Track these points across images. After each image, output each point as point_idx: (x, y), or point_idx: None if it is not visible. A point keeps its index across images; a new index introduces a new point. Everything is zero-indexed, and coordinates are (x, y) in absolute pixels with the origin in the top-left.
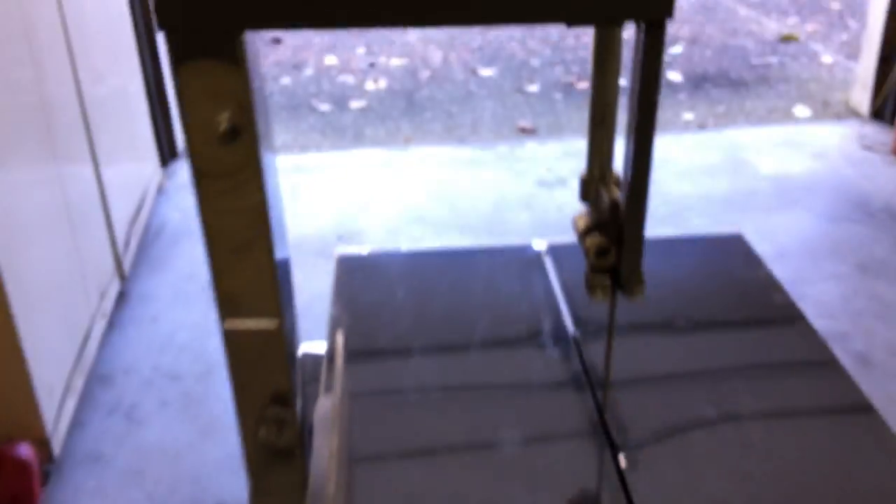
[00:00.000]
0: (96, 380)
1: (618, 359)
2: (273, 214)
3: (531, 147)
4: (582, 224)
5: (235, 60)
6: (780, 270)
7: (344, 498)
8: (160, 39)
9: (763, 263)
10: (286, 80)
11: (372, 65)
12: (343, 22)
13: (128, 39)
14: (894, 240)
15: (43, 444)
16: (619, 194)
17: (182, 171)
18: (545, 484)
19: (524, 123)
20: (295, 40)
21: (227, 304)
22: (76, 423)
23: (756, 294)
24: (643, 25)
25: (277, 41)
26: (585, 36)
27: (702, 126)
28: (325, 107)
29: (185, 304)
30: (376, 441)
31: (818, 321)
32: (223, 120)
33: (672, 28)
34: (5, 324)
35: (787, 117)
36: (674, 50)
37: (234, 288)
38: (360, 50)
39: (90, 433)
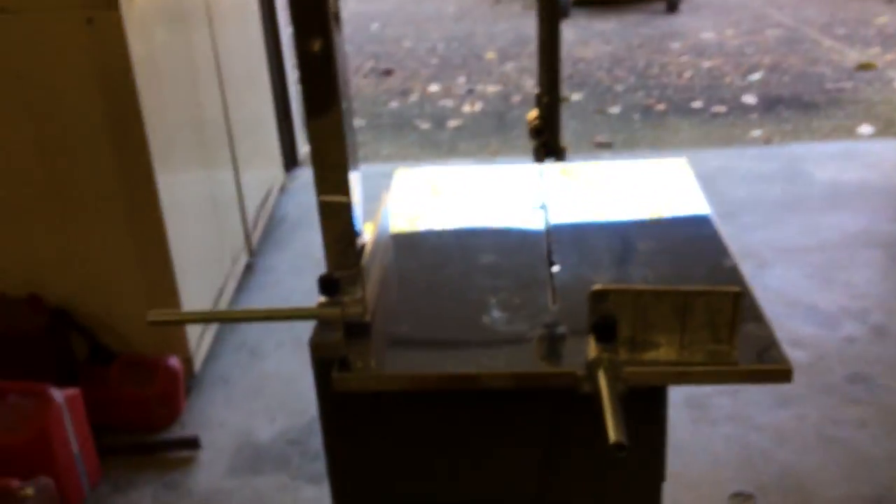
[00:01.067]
0: (226, 327)
1: (560, 234)
2: None
3: (604, 157)
4: (531, 117)
5: None
6: (818, 258)
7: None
8: (287, 67)
9: (694, 182)
10: (394, 104)
11: (470, 91)
12: None
13: (262, 69)
14: None
15: (187, 362)
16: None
17: (301, 175)
18: (508, 277)
19: (601, 138)
20: (404, 72)
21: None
22: (210, 356)
23: (679, 201)
24: None
25: (389, 72)
26: (671, 66)
27: (767, 142)
28: (425, 126)
29: (299, 276)
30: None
31: (846, 300)
32: None
33: (754, 57)
34: (168, 272)
35: (850, 134)
36: (753, 76)
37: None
38: (461, 79)
39: (221, 363)
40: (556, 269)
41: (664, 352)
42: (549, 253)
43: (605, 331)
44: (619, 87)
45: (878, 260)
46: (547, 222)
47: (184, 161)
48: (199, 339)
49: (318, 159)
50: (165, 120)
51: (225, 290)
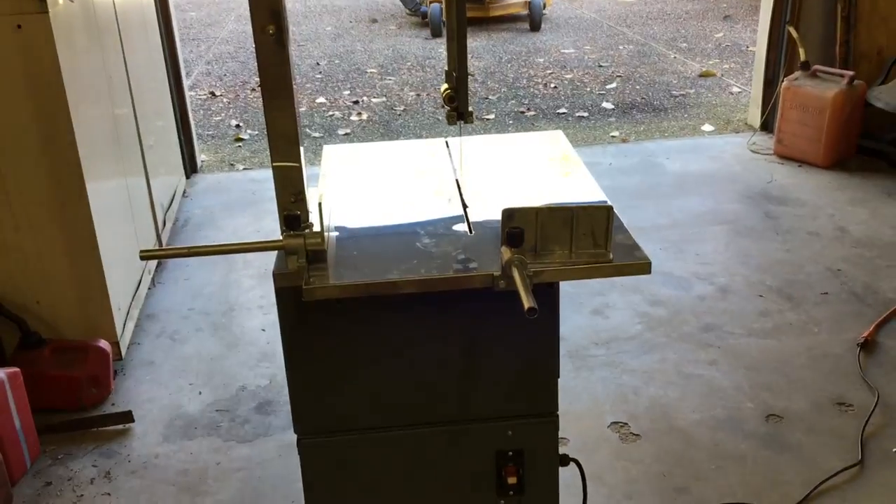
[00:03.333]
0: (145, 318)
1: (468, 185)
2: None
3: None
4: (443, 89)
5: None
6: (671, 234)
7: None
8: (185, 84)
9: (569, 146)
10: None
11: (356, 102)
12: None
13: (164, 84)
14: (763, 214)
15: (114, 346)
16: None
17: (200, 181)
18: (431, 218)
19: None
20: None
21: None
22: (133, 343)
23: (557, 158)
24: None
25: None
26: (538, 77)
27: (625, 140)
28: (316, 134)
29: (210, 270)
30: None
31: (696, 266)
32: None
33: (610, 69)
34: (97, 265)
35: (695, 132)
36: (609, 85)
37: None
38: (346, 92)
39: (144, 348)
40: (469, 209)
41: (558, 256)
42: (462, 199)
43: (514, 238)
44: (493, 97)
45: (721, 234)
46: (457, 177)
47: (106, 164)
48: (122, 326)
49: (272, 132)
50: (90, 123)
51: (142, 283)
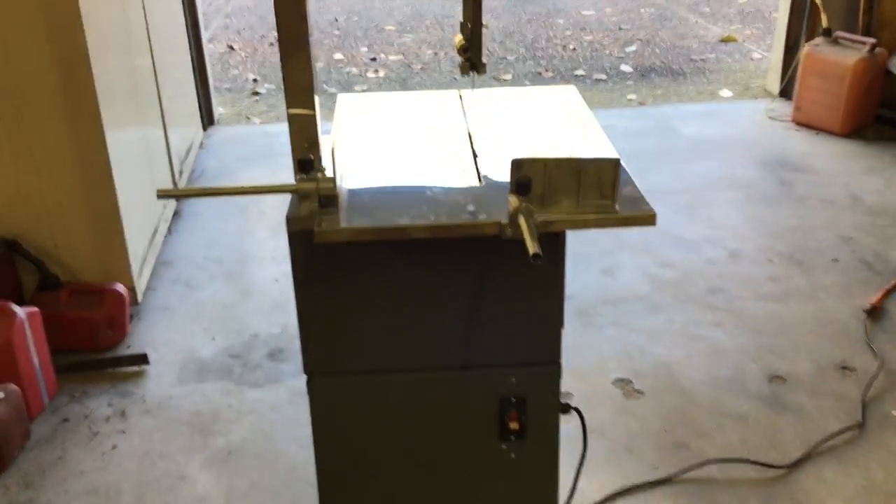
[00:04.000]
0: (161, 265)
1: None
2: None
3: None
4: (457, 40)
5: None
6: (684, 198)
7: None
8: (203, 39)
9: (581, 101)
10: None
11: (373, 59)
12: None
13: (182, 39)
14: (777, 180)
15: (131, 290)
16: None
17: (216, 133)
18: (442, 167)
19: None
20: None
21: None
22: (149, 288)
23: (569, 113)
24: None
25: None
26: (557, 39)
27: (642, 104)
28: (333, 90)
29: (225, 221)
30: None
31: (707, 230)
32: None
33: (630, 32)
34: (115, 211)
35: (713, 97)
36: (629, 48)
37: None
38: (364, 49)
39: (159, 294)
40: (479, 160)
41: (565, 206)
42: (473, 149)
43: (522, 187)
44: (511, 58)
45: (733, 199)
46: (468, 128)
47: (124, 113)
48: (139, 271)
49: (289, 82)
50: (109, 72)
51: (158, 231)
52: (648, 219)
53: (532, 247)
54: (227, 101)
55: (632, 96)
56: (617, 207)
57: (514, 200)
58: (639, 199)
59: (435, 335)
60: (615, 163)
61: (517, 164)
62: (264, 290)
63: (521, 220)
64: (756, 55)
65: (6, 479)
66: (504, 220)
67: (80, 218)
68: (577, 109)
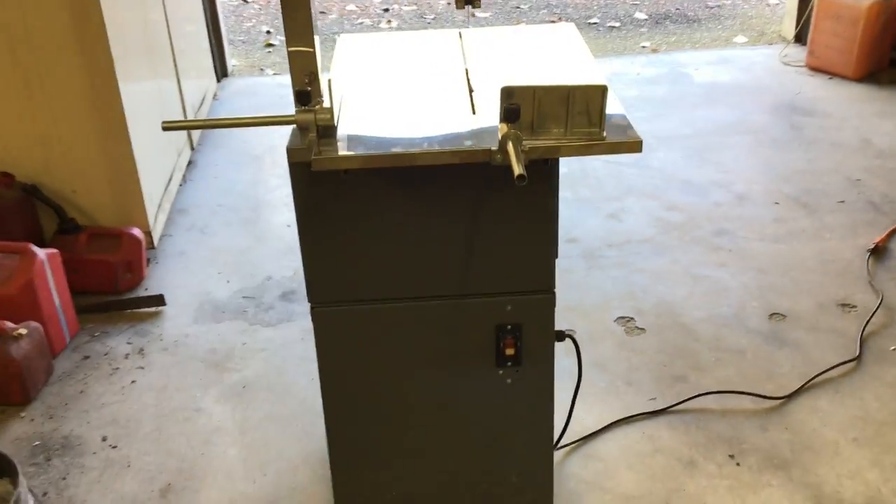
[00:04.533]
0: (176, 212)
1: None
2: None
3: None
4: None
5: None
6: (693, 143)
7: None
8: None
9: (579, 37)
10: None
11: (386, 10)
12: None
13: None
14: (789, 125)
15: (147, 235)
16: None
17: (230, 84)
18: (438, 98)
19: None
20: None
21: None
22: (165, 234)
23: (564, 47)
24: None
25: None
26: None
27: (655, 51)
28: None
29: (238, 169)
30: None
31: (715, 174)
32: None
33: None
34: (130, 157)
35: (728, 44)
36: None
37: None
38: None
39: (175, 240)
40: (475, 94)
41: (554, 134)
42: (469, 83)
43: (511, 113)
44: (525, 6)
45: (744, 143)
46: (466, 65)
47: (138, 65)
48: (155, 217)
49: (288, 21)
50: (123, 25)
51: (173, 180)
52: (635, 146)
53: (517, 168)
54: (240, 52)
55: (645, 43)
56: (605, 134)
57: (503, 127)
58: (626, 127)
59: (432, 264)
60: (603, 89)
61: (507, 92)
62: (278, 235)
63: (509, 145)
64: (772, 0)
65: (31, 411)
66: (494, 147)
67: (98, 165)
68: (575, 46)
